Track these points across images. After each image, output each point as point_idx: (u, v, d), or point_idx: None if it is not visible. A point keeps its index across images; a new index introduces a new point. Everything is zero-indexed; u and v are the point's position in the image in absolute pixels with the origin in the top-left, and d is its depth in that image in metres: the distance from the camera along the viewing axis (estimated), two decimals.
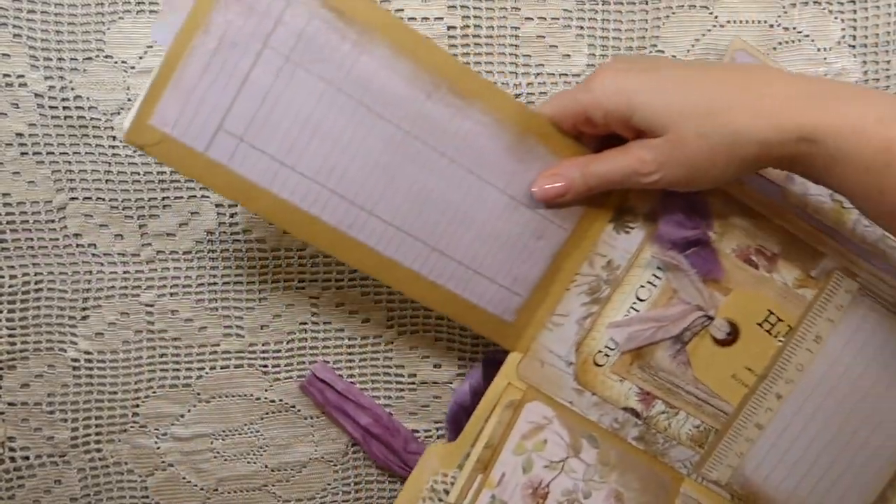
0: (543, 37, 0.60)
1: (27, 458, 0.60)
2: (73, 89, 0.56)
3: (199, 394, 0.61)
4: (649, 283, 0.58)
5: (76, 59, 0.56)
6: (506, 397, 0.56)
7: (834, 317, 0.58)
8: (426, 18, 0.59)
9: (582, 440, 0.57)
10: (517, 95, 0.60)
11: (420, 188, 0.52)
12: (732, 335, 0.58)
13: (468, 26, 0.59)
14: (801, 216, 0.58)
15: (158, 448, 0.61)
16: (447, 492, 0.56)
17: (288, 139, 0.49)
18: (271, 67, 0.48)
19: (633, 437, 0.58)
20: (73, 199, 0.58)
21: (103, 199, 0.58)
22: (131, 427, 0.61)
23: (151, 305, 0.59)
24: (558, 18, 0.60)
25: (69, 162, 0.57)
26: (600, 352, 0.58)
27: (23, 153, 0.57)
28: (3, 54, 0.56)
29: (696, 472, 0.59)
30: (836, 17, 0.61)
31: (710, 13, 0.60)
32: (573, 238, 0.56)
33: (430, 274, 0.54)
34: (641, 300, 0.58)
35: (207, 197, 0.59)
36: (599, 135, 0.53)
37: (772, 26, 0.61)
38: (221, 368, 0.60)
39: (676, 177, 0.50)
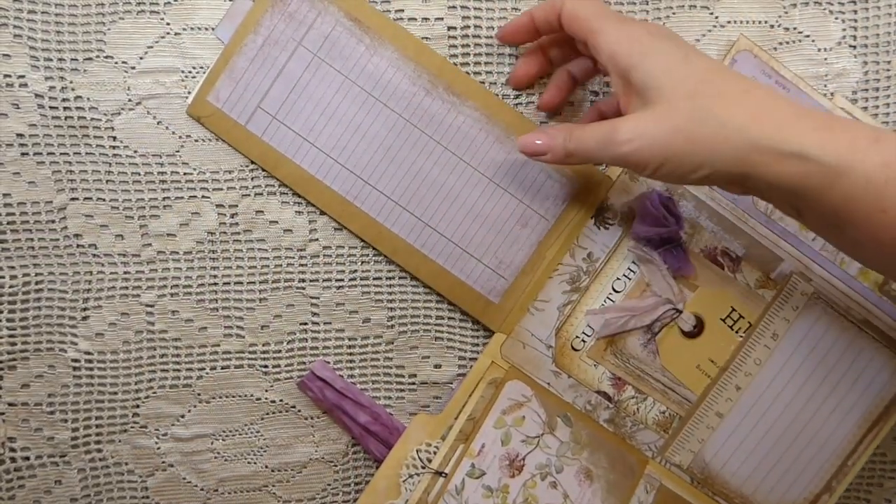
0: None
1: (27, 458, 0.60)
2: (73, 90, 0.57)
3: (199, 394, 0.61)
4: (625, 275, 0.62)
5: (76, 60, 0.56)
6: (489, 375, 0.61)
7: (790, 317, 0.63)
8: (426, 19, 0.59)
9: (557, 419, 0.62)
10: (517, 95, 0.60)
11: (417, 169, 0.60)
12: (698, 328, 0.63)
13: (468, 26, 0.59)
14: (765, 223, 0.63)
15: (159, 448, 0.61)
16: (430, 460, 0.60)
17: (310, 120, 0.59)
18: (303, 62, 0.58)
19: (604, 419, 0.63)
20: (73, 199, 0.58)
21: (104, 200, 0.58)
22: (131, 427, 0.61)
23: (152, 306, 0.59)
24: None
25: (70, 162, 0.57)
26: (577, 337, 0.62)
27: (23, 153, 0.57)
28: (4, 55, 0.56)
29: (661, 456, 0.63)
30: (836, 18, 0.61)
31: (711, 13, 0.60)
32: (555, 229, 0.62)
33: (423, 247, 0.61)
34: (617, 291, 0.63)
35: (208, 198, 0.59)
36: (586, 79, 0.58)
37: (772, 27, 0.61)
38: (222, 369, 0.60)
39: (649, 155, 0.48)
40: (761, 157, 0.46)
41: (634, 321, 0.62)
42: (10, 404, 0.60)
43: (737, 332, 0.63)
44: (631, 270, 0.62)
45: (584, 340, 0.62)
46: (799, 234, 0.62)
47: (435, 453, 0.60)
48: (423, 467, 0.60)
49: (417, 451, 0.60)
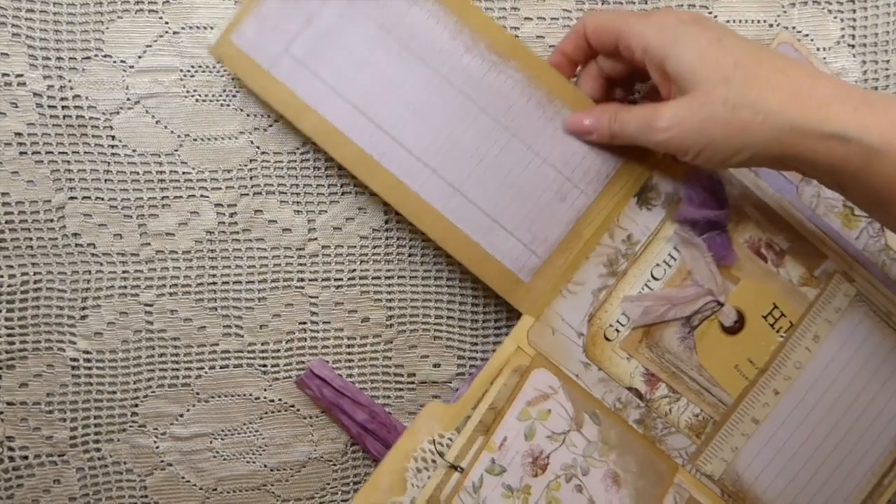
0: (543, 37, 0.60)
1: (26, 457, 0.60)
2: (72, 88, 0.56)
3: (198, 393, 0.61)
4: (665, 262, 0.59)
5: (75, 59, 0.56)
6: (514, 361, 0.57)
7: (832, 318, 0.60)
8: None
9: (585, 415, 0.58)
10: None
11: (450, 131, 0.56)
12: (739, 324, 0.60)
13: None
14: (811, 217, 0.60)
15: (157, 448, 0.61)
16: (442, 454, 0.56)
17: (340, 69, 0.55)
18: (337, 8, 0.55)
19: (633, 419, 0.59)
20: (72, 198, 0.58)
21: (102, 199, 0.58)
22: (130, 426, 0.61)
23: (151, 305, 0.59)
24: (558, 18, 0.60)
25: (68, 161, 0.57)
26: (611, 326, 0.58)
27: (22, 153, 0.57)
28: (2, 53, 0.56)
29: (692, 464, 0.59)
30: (835, 17, 0.61)
31: (710, 13, 0.61)
32: (596, 206, 0.58)
33: (451, 215, 0.56)
34: (656, 278, 0.59)
35: (206, 197, 0.59)
36: (618, 76, 0.55)
37: (771, 26, 0.61)
38: (221, 368, 0.60)
39: (687, 141, 0.49)
40: (800, 140, 0.46)
41: (674, 311, 0.59)
42: (8, 403, 0.59)
43: (777, 331, 0.60)
44: (672, 257, 0.59)
45: (618, 330, 0.58)
46: (842, 230, 0.60)
47: (449, 446, 0.56)
48: (433, 461, 0.55)
49: (430, 443, 0.56)
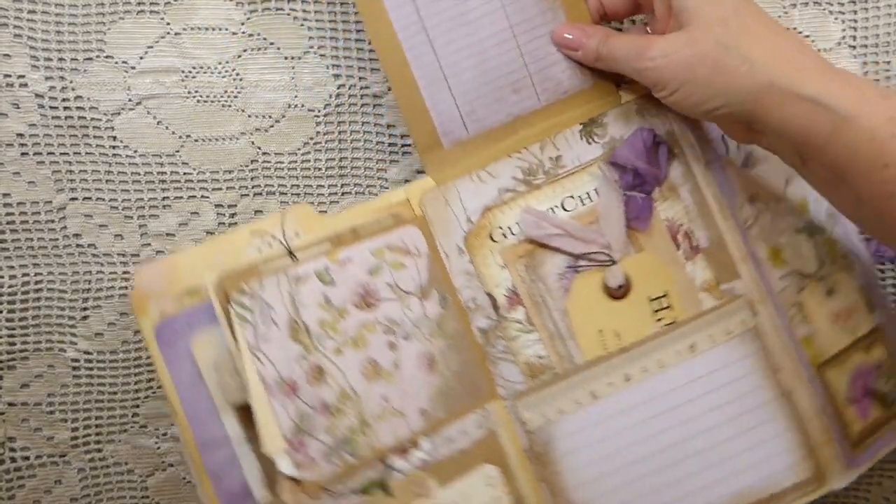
0: None
1: (27, 458, 0.60)
2: (73, 89, 0.56)
3: None
4: (580, 198, 0.57)
5: (77, 60, 0.56)
6: (397, 209, 0.56)
7: (718, 338, 0.57)
8: None
9: (435, 292, 0.56)
10: None
11: None
12: (622, 291, 0.57)
13: None
14: (743, 233, 0.58)
15: (158, 448, 0.61)
16: (283, 240, 0.54)
17: None
18: None
19: (478, 325, 0.56)
20: (72, 199, 0.57)
21: (103, 200, 0.58)
22: (131, 427, 0.61)
23: None
24: None
25: (69, 162, 0.57)
26: (501, 228, 0.57)
27: (23, 153, 0.57)
28: (4, 54, 0.55)
29: (512, 401, 0.56)
30: (836, 18, 0.61)
31: None
32: (541, 114, 0.57)
33: (410, 52, 0.55)
34: (566, 209, 0.57)
35: (207, 197, 0.59)
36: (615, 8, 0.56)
37: None
38: None
39: (670, 74, 0.50)
40: (775, 98, 0.47)
41: (565, 242, 0.56)
42: (9, 404, 0.59)
43: (658, 320, 0.57)
44: (589, 197, 0.57)
45: (505, 236, 0.56)
46: (766, 263, 0.58)
47: (298, 237, 0.54)
48: (270, 245, 0.54)
49: (279, 230, 0.54)
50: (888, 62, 0.61)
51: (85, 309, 0.59)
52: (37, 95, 0.56)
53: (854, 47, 0.61)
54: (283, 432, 0.51)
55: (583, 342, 0.57)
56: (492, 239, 0.57)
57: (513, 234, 0.57)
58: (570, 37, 0.56)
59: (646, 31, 0.56)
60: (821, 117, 0.46)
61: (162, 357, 0.52)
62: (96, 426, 0.61)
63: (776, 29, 0.49)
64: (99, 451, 0.61)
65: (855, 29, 0.61)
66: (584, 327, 0.57)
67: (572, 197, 0.57)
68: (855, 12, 0.61)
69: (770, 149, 0.52)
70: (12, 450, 0.60)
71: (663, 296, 0.57)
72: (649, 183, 0.57)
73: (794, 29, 0.61)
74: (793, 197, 0.59)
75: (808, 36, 0.61)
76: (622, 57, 0.53)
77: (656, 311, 0.57)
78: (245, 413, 0.52)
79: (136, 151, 0.58)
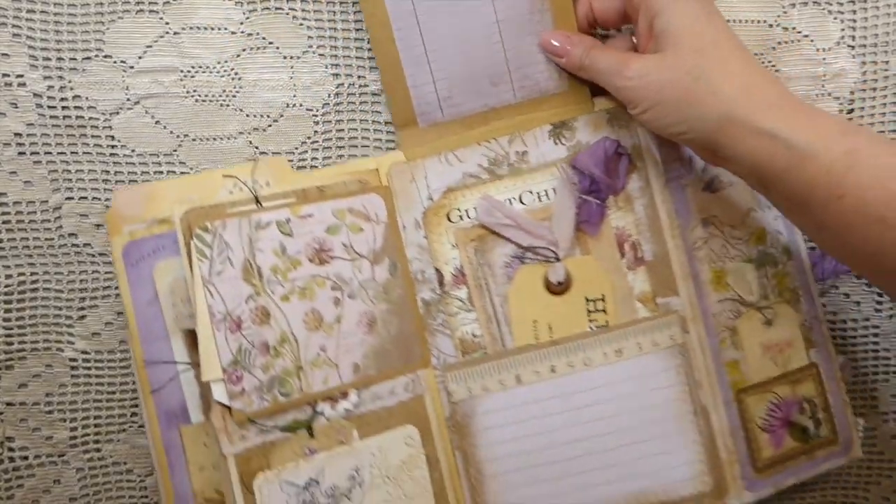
0: None
1: (26, 457, 0.60)
2: (72, 89, 0.56)
3: None
4: (538, 195, 0.60)
5: (75, 59, 0.56)
6: (365, 176, 0.59)
7: (645, 347, 0.60)
8: None
9: (387, 259, 0.59)
10: None
11: None
12: (562, 288, 0.60)
13: None
14: (689, 251, 0.61)
15: None
16: (260, 186, 0.57)
17: None
18: None
19: (423, 296, 0.59)
20: (68, 198, 0.58)
21: (99, 199, 0.58)
22: (130, 427, 0.61)
23: None
24: None
25: (66, 162, 0.57)
26: (459, 211, 0.60)
27: (20, 153, 0.57)
28: (3, 54, 0.56)
29: (443, 372, 0.59)
30: (835, 18, 0.61)
31: None
32: (515, 109, 0.60)
33: (398, 33, 0.58)
34: (523, 203, 0.60)
35: None
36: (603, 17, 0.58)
37: (771, 26, 0.61)
38: None
39: (642, 95, 0.53)
40: (736, 130, 0.49)
41: (514, 233, 0.59)
42: (8, 404, 0.60)
43: (591, 321, 0.60)
44: (546, 195, 0.60)
45: (462, 218, 0.59)
46: (707, 286, 0.61)
47: (268, 186, 0.57)
48: (242, 190, 0.57)
49: (250, 178, 0.57)
50: (886, 62, 0.61)
51: (82, 308, 0.59)
52: (35, 95, 0.56)
53: (853, 47, 0.61)
54: (221, 363, 0.54)
55: (516, 329, 0.60)
56: (448, 219, 0.60)
57: (469, 217, 0.60)
58: (557, 44, 0.58)
59: (631, 41, 0.58)
60: (779, 151, 0.48)
61: (126, 276, 0.55)
62: (95, 426, 0.61)
63: (751, 65, 0.51)
64: (98, 450, 0.61)
65: (854, 28, 0.61)
66: (520, 315, 0.60)
67: (531, 192, 0.60)
68: (854, 12, 0.61)
69: (736, 174, 0.54)
70: (11, 450, 0.60)
71: (600, 299, 0.60)
72: (604, 191, 0.60)
73: (794, 28, 0.61)
74: (752, 225, 0.62)
75: (806, 35, 0.61)
76: (603, 70, 0.55)
77: (591, 311, 0.60)
78: (191, 339, 0.55)
79: (133, 151, 0.58)
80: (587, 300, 0.60)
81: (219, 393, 0.54)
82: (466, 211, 0.60)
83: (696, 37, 0.51)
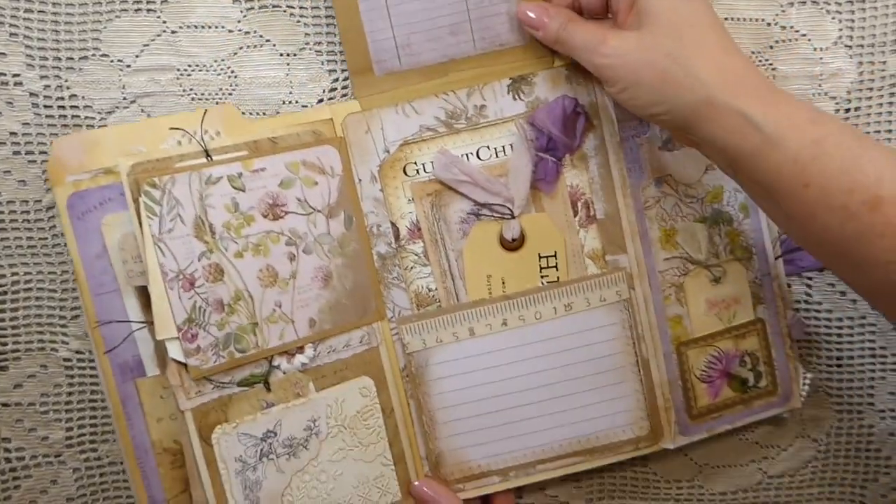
0: None
1: (22, 458, 0.60)
2: (68, 88, 0.56)
3: None
4: (495, 150, 0.61)
5: (72, 59, 0.56)
6: (318, 126, 0.59)
7: (592, 302, 0.62)
8: None
9: (342, 212, 0.59)
10: None
11: None
12: (516, 245, 0.62)
13: None
14: (638, 211, 0.62)
15: None
16: (202, 138, 0.57)
17: None
18: None
19: (378, 250, 0.60)
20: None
21: None
22: None
23: None
24: None
25: None
26: (415, 164, 0.60)
27: (15, 152, 0.57)
28: (0, 53, 0.55)
29: (398, 325, 0.60)
30: (833, 17, 0.61)
31: None
32: (473, 61, 0.60)
33: None
34: (480, 158, 0.61)
35: None
36: None
37: (769, 25, 0.61)
38: None
39: (619, 74, 0.53)
40: (711, 112, 0.50)
41: (470, 189, 0.60)
42: (3, 405, 0.60)
43: (543, 277, 0.62)
44: (504, 151, 0.60)
45: (418, 172, 0.60)
46: (655, 244, 0.62)
47: (218, 137, 0.57)
48: (191, 143, 0.57)
49: (202, 122, 0.57)
50: (884, 62, 0.61)
51: (75, 308, 0.59)
52: (31, 94, 0.56)
53: (850, 46, 0.61)
54: (176, 321, 0.54)
55: (470, 283, 0.62)
56: (405, 172, 0.61)
57: (425, 171, 0.60)
58: (533, 16, 0.57)
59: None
60: (749, 135, 0.49)
61: (72, 228, 0.55)
62: (91, 426, 0.61)
63: (728, 47, 0.52)
64: (94, 450, 0.61)
65: (852, 28, 0.61)
66: (474, 270, 0.62)
67: (488, 147, 0.61)
68: (852, 12, 0.61)
69: (707, 156, 0.56)
70: (7, 451, 0.60)
71: (552, 255, 0.62)
72: (561, 150, 0.61)
73: (792, 27, 0.61)
74: (709, 183, 0.64)
75: (804, 35, 0.61)
76: (579, 45, 0.55)
77: (543, 268, 0.62)
78: (144, 295, 0.56)
79: None
80: (540, 256, 0.62)
81: (174, 351, 0.54)
82: (423, 165, 0.60)
83: (675, 18, 0.51)
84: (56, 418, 0.60)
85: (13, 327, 0.58)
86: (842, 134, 0.48)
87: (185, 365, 0.54)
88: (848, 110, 0.62)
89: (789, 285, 0.65)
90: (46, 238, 0.58)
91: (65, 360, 0.60)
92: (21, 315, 0.58)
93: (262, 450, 0.57)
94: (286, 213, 0.57)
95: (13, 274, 0.58)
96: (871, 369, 0.66)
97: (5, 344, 0.59)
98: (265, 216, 0.56)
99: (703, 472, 0.68)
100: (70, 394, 0.60)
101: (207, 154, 0.56)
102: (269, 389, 0.57)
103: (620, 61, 0.52)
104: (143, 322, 0.56)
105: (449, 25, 0.58)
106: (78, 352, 0.59)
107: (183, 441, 0.56)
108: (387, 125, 0.59)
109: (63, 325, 0.59)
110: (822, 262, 0.53)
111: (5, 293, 0.58)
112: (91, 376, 0.60)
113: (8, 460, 0.60)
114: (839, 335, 0.66)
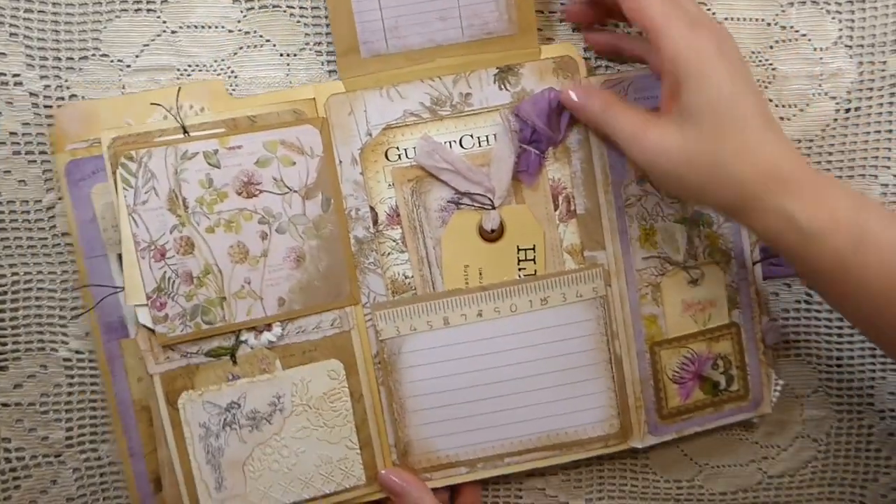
0: None
1: (22, 458, 0.60)
2: (68, 88, 0.57)
3: None
4: (479, 139, 0.60)
5: (72, 59, 0.56)
6: (301, 105, 0.58)
7: (568, 297, 0.62)
8: None
9: (320, 193, 0.58)
10: None
11: None
12: (495, 236, 0.61)
13: None
14: (618, 210, 0.62)
15: None
16: (181, 116, 0.57)
17: None
18: None
19: (356, 234, 0.60)
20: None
21: None
22: None
23: None
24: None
25: None
26: (398, 149, 0.60)
27: (15, 152, 0.57)
28: (0, 53, 0.55)
29: (372, 311, 0.60)
30: (833, 17, 0.61)
31: (708, 10, 0.61)
32: (461, 49, 0.59)
33: None
34: (463, 147, 0.60)
35: None
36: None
37: (769, 25, 0.61)
38: None
39: (659, 171, 0.53)
40: (755, 210, 0.50)
41: (451, 177, 0.60)
42: (3, 405, 0.60)
43: (521, 269, 0.61)
44: (487, 141, 0.60)
45: (400, 157, 0.60)
46: (635, 243, 0.62)
47: (201, 112, 0.57)
48: (170, 116, 0.57)
49: (178, 98, 0.57)
50: (884, 62, 0.61)
51: (75, 308, 0.59)
52: (31, 94, 0.56)
53: (850, 47, 0.61)
54: (145, 289, 0.56)
55: (447, 272, 0.61)
56: (386, 157, 0.60)
57: (407, 157, 0.60)
58: (576, 99, 0.57)
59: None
60: (791, 230, 0.49)
61: (69, 194, 0.57)
62: (91, 426, 0.61)
63: (770, 139, 0.50)
64: (94, 450, 0.61)
65: (852, 28, 0.61)
66: (451, 259, 0.61)
67: (471, 136, 0.60)
68: (852, 12, 0.61)
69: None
70: (7, 451, 0.60)
71: (531, 248, 0.62)
72: (544, 142, 0.60)
73: (792, 27, 0.61)
74: None
75: (804, 35, 0.61)
76: (619, 132, 0.54)
77: (521, 260, 0.62)
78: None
79: None
80: (518, 249, 0.61)
81: (143, 317, 0.57)
82: (405, 150, 0.60)
83: (718, 118, 0.50)
84: (56, 418, 0.60)
85: (13, 327, 0.59)
86: (882, 221, 0.49)
87: (153, 331, 0.56)
88: (848, 110, 0.62)
89: (789, 285, 0.65)
90: (46, 238, 0.58)
91: (65, 360, 0.60)
92: (21, 315, 0.59)
93: (225, 419, 0.58)
94: (261, 191, 0.57)
95: (13, 274, 0.58)
96: (871, 369, 0.66)
97: (5, 344, 0.59)
98: (239, 193, 0.57)
99: (703, 472, 0.68)
100: (70, 394, 0.60)
101: (185, 130, 0.56)
102: (235, 363, 0.58)
103: (662, 158, 0.52)
104: (121, 287, 0.58)
105: (438, 10, 0.58)
106: (78, 352, 0.60)
107: (151, 403, 0.58)
108: (370, 108, 0.59)
109: (63, 325, 0.59)
110: (871, 341, 0.55)
111: (5, 293, 0.58)
112: (91, 376, 0.60)
113: (8, 460, 0.60)
114: (839, 335, 0.66)
